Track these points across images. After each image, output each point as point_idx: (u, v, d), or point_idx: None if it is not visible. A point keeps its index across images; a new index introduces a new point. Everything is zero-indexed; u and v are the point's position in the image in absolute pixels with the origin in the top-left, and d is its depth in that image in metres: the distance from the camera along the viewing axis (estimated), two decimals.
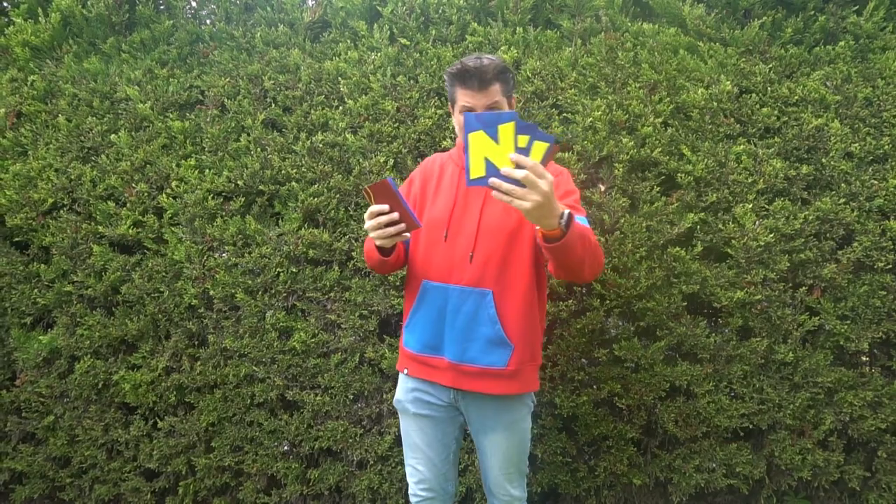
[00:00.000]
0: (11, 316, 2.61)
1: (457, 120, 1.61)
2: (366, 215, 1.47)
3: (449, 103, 1.67)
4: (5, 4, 2.96)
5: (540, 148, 1.22)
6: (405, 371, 1.71)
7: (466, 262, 1.57)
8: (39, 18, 2.62)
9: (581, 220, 1.45)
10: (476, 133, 1.21)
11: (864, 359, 2.31)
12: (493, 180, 1.21)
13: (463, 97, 1.54)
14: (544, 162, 1.22)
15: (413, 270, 1.69)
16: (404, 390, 1.72)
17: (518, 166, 1.20)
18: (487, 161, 1.22)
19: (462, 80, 1.52)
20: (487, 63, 1.51)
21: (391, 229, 1.44)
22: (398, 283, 2.37)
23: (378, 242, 1.50)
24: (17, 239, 2.62)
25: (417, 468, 1.72)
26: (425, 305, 1.62)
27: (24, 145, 2.62)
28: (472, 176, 1.23)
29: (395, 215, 1.43)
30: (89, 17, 2.61)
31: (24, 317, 2.61)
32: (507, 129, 1.19)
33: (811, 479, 2.33)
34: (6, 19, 2.77)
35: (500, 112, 1.21)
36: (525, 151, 1.21)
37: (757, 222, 2.22)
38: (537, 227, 1.33)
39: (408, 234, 1.50)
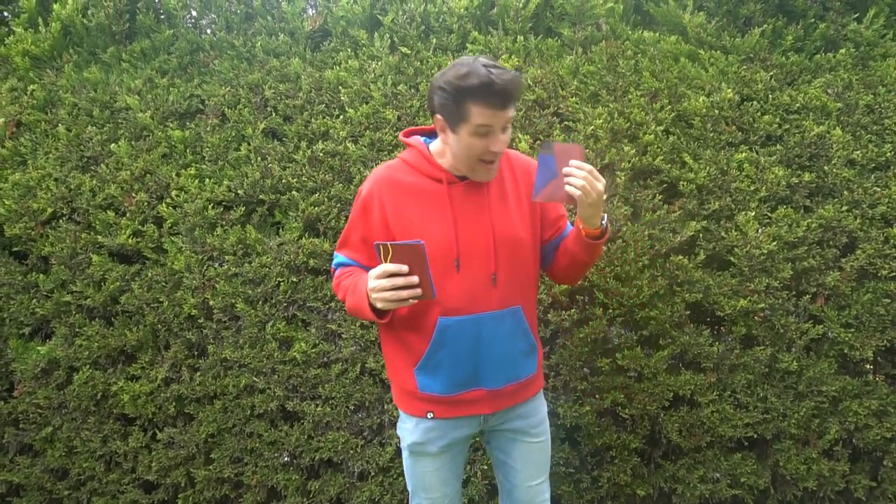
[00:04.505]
0: (10, 326, 2.59)
1: (464, 142, 1.33)
2: (375, 272, 1.28)
3: (438, 116, 1.35)
4: (6, 14, 2.96)
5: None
6: (429, 415, 1.50)
7: (489, 285, 1.40)
8: (40, 28, 2.61)
9: None
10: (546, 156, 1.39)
11: (868, 367, 2.30)
12: (567, 169, 1.34)
13: (480, 116, 1.28)
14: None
15: (417, 308, 1.40)
16: (423, 431, 1.52)
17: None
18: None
19: (484, 96, 1.26)
20: (515, 77, 1.28)
21: (403, 293, 1.26)
22: None
23: (380, 305, 1.30)
24: (15, 248, 2.60)
25: None
26: (448, 344, 1.42)
27: (23, 155, 2.61)
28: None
29: (415, 279, 1.26)
30: (90, 26, 2.60)
31: (23, 327, 2.58)
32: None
33: (816, 488, 2.30)
34: (6, 29, 2.76)
35: (574, 144, 1.44)
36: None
37: (759, 230, 2.21)
38: (581, 226, 1.43)
39: (414, 301, 1.30)
